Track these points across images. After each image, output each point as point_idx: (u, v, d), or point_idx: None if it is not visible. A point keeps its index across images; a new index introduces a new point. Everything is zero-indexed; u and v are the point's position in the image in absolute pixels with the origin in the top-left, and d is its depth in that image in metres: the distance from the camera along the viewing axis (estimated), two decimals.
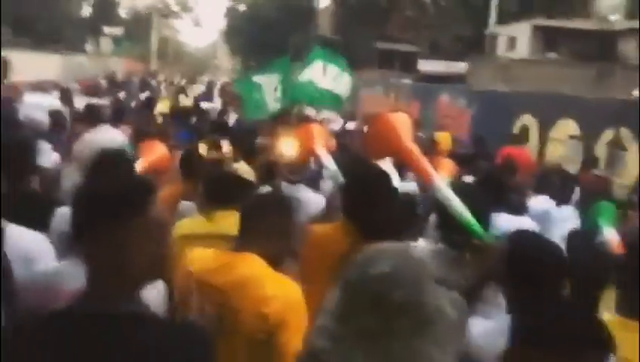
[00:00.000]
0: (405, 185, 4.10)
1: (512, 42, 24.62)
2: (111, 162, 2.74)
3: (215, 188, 2.88)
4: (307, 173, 4.28)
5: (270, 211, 2.13)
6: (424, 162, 2.75)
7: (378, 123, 2.96)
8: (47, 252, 2.16)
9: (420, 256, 1.26)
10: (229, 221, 2.54)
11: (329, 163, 3.91)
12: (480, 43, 26.37)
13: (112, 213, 1.35)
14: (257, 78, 8.07)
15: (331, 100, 7.70)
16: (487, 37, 24.98)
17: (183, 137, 6.33)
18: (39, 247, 2.15)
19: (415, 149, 2.77)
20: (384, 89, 15.49)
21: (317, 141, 4.04)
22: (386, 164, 3.34)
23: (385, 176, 2.69)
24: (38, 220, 2.36)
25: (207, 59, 77.65)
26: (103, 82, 17.43)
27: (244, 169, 3.30)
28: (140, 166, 3.66)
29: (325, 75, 7.69)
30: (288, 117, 7.80)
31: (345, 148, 6.19)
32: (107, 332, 1.31)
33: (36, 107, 7.34)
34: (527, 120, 9.34)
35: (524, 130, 9.21)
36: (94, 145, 3.33)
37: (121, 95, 12.92)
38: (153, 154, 4.04)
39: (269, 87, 7.85)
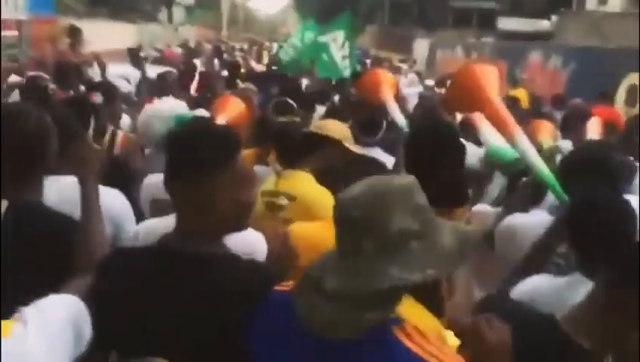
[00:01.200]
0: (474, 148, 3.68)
1: None
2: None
3: (283, 147, 2.86)
4: (382, 135, 3.93)
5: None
6: (508, 118, 2.61)
7: (462, 73, 2.79)
8: (132, 219, 2.22)
9: (396, 184, 1.25)
10: (294, 180, 2.71)
11: (395, 113, 3.70)
12: None
13: (206, 160, 1.43)
14: (323, 38, 8.16)
15: (331, 70, 7.70)
16: None
17: (260, 101, 6.18)
18: (127, 213, 2.20)
19: (500, 104, 2.64)
20: (464, 49, 14.43)
21: (384, 88, 3.81)
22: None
23: (453, 131, 2.46)
24: (121, 186, 2.37)
25: (277, 25, 77.34)
26: (179, 50, 17.54)
27: (334, 126, 2.98)
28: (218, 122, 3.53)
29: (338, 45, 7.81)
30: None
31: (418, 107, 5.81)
32: (187, 269, 1.41)
33: (118, 75, 7.28)
34: (635, 79, 8.38)
35: (633, 90, 8.27)
36: (156, 117, 3.29)
37: (197, 62, 12.88)
38: (231, 111, 3.83)
39: (335, 44, 7.92)
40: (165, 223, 1.81)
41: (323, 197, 2.49)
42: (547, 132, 4.16)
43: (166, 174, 1.49)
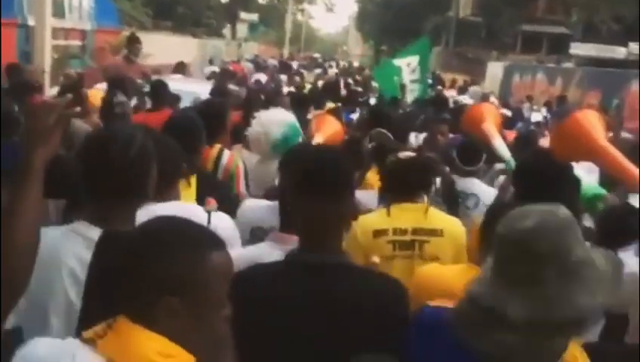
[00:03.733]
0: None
1: None
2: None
3: (397, 179, 2.70)
4: (480, 164, 3.88)
5: None
6: (627, 164, 2.58)
7: (567, 124, 2.85)
8: (239, 244, 2.19)
9: (566, 214, 1.31)
10: (429, 214, 2.58)
11: (501, 148, 3.61)
12: None
13: (346, 178, 1.61)
14: (397, 62, 8.39)
15: (396, 91, 7.87)
16: None
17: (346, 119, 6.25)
18: (236, 239, 2.19)
19: (612, 148, 2.66)
20: (546, 75, 13.31)
21: (488, 122, 3.70)
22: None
23: (567, 165, 2.53)
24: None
25: (337, 45, 77.67)
26: (248, 65, 17.66)
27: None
28: (315, 141, 3.59)
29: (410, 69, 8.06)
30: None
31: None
32: (319, 278, 1.54)
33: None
34: None
35: None
36: (272, 124, 3.44)
37: (262, 76, 12.70)
38: (328, 129, 3.90)
39: (407, 69, 8.15)
40: (260, 251, 1.89)
41: (463, 229, 2.57)
42: None
43: (298, 187, 1.58)
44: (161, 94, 5.39)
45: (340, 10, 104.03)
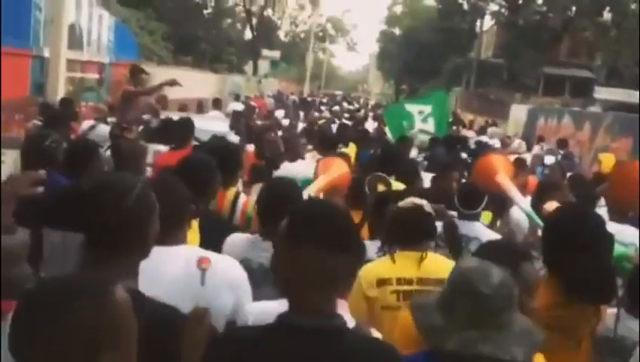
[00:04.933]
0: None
1: None
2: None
3: (400, 227, 2.70)
4: (482, 207, 3.87)
5: None
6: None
7: (617, 174, 3.18)
8: (250, 291, 2.09)
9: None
10: (434, 263, 2.58)
11: (518, 199, 3.58)
12: None
13: (345, 240, 1.45)
14: (409, 107, 8.44)
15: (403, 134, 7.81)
16: None
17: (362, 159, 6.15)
18: (247, 285, 2.08)
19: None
20: (572, 118, 12.82)
21: (501, 174, 3.68)
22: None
23: (598, 220, 2.42)
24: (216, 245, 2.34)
25: (357, 82, 78.23)
26: (270, 100, 17.70)
27: (425, 205, 2.87)
28: (319, 183, 3.65)
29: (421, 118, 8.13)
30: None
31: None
32: (311, 344, 1.40)
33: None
34: None
35: None
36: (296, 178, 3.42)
37: (281, 112, 12.63)
38: (334, 172, 3.87)
39: (418, 116, 8.16)
40: (274, 306, 1.75)
41: None
42: None
43: (297, 242, 1.43)
44: (186, 132, 5.08)
45: (362, 49, 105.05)
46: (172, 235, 1.94)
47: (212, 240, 2.34)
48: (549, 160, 8.52)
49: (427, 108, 8.23)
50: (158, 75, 14.64)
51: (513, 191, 3.58)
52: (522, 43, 29.30)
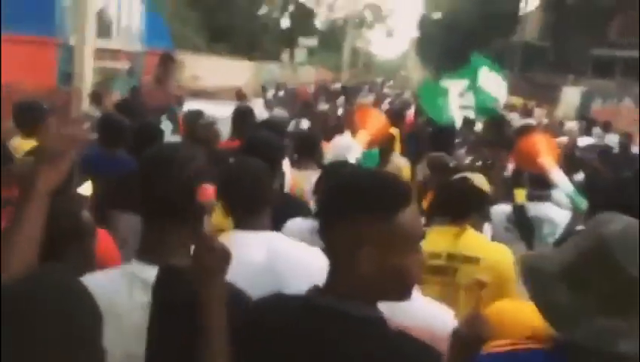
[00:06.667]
0: None
1: None
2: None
3: (455, 204, 2.56)
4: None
5: None
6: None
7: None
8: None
9: None
10: (470, 239, 2.47)
11: (562, 180, 3.49)
12: None
13: (359, 208, 1.27)
14: (445, 83, 7.85)
15: (437, 115, 7.30)
16: None
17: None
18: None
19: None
20: (634, 99, 11.87)
21: (543, 153, 3.56)
22: None
23: None
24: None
25: (395, 70, 77.15)
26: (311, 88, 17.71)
27: (479, 180, 2.77)
28: (360, 138, 3.61)
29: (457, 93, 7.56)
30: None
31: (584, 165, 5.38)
32: (334, 329, 1.29)
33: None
34: None
35: None
36: (354, 149, 3.47)
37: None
38: (374, 125, 3.82)
39: (454, 92, 7.55)
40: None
41: (509, 258, 2.38)
42: None
43: (321, 220, 1.34)
44: (244, 122, 4.72)
45: (400, 35, 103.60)
46: (254, 220, 1.87)
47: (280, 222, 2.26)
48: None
49: (462, 83, 7.65)
50: (192, 64, 14.30)
51: (555, 172, 3.49)
52: (570, 24, 28.02)
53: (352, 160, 3.42)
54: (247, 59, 21.40)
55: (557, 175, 3.50)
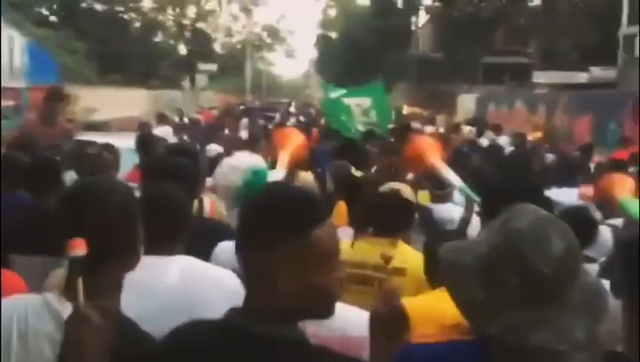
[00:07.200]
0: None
1: None
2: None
3: (380, 214, 2.63)
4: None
5: None
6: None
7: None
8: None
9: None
10: (397, 251, 2.48)
11: (450, 175, 3.59)
12: (605, 49, 23.43)
13: (275, 230, 1.23)
14: (347, 100, 8.13)
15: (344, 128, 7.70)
16: (624, 38, 22.07)
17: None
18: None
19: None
20: (525, 103, 12.45)
21: (430, 154, 3.69)
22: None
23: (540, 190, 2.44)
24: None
25: (299, 90, 77.96)
26: (215, 112, 17.66)
27: (407, 192, 2.79)
28: (281, 160, 3.59)
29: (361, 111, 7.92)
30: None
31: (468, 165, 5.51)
32: (253, 352, 1.24)
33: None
34: None
35: None
36: (234, 170, 3.27)
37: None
38: (291, 144, 3.80)
39: (357, 110, 7.92)
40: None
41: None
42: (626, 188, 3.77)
43: (237, 240, 1.31)
44: (150, 149, 4.78)
45: (300, 55, 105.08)
46: (169, 245, 1.86)
47: (205, 247, 2.26)
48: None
49: (366, 101, 8.04)
50: (84, 96, 13.60)
51: (445, 170, 3.61)
52: (458, 35, 29.48)
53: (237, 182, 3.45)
54: (144, 87, 20.78)
55: (446, 171, 3.60)
